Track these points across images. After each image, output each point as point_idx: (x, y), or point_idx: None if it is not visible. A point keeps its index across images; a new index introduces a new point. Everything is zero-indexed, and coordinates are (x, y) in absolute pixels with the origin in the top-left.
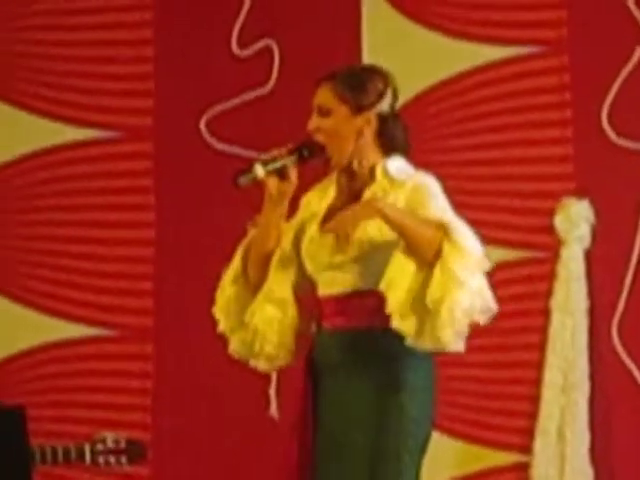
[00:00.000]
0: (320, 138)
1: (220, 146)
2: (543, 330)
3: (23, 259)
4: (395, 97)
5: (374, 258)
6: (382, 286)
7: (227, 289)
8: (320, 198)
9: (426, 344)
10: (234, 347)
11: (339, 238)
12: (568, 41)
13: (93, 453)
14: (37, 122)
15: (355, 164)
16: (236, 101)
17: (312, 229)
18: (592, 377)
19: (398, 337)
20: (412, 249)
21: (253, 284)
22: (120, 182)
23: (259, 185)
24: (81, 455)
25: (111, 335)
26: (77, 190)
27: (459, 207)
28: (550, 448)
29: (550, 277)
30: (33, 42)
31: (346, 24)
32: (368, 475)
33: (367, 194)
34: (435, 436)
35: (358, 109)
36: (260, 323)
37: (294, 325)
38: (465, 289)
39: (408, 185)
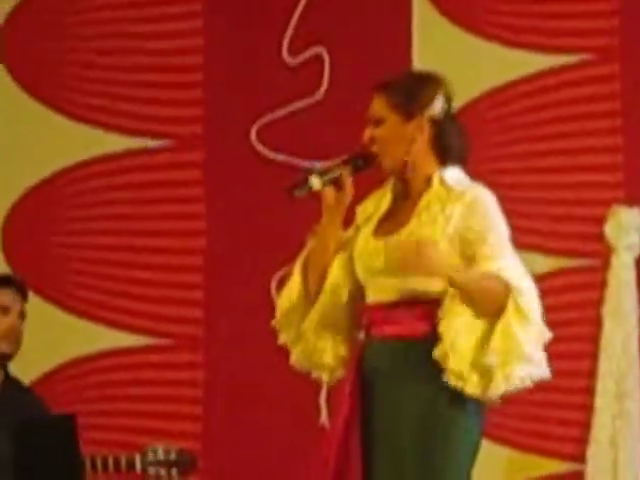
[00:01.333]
0: (374, 148)
1: (270, 155)
2: (594, 338)
3: (74, 268)
4: (448, 102)
5: (425, 270)
6: (445, 347)
7: (287, 301)
8: (376, 205)
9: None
10: (296, 359)
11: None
12: (619, 49)
13: (144, 464)
14: (88, 131)
15: (409, 171)
16: (286, 109)
17: (366, 233)
18: None
19: None
20: (475, 308)
21: (312, 295)
22: (171, 191)
23: (308, 194)
24: (131, 465)
25: (162, 344)
26: (128, 199)
27: (509, 215)
28: (603, 456)
29: (601, 285)
30: (84, 51)
31: (397, 32)
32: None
33: (423, 202)
34: (487, 445)
35: (408, 115)
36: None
37: (349, 335)
38: (526, 362)
39: (466, 198)
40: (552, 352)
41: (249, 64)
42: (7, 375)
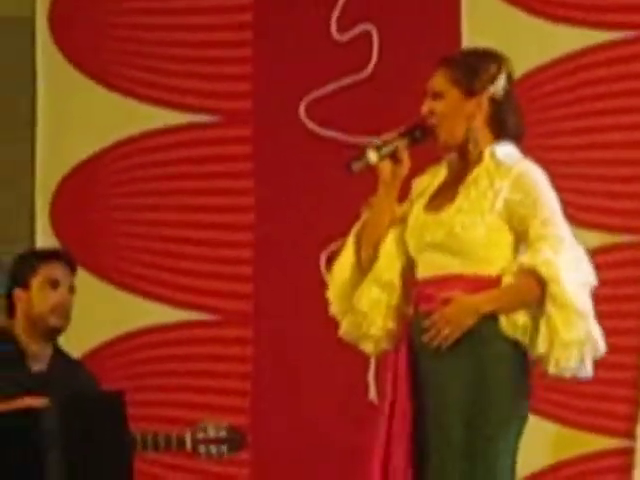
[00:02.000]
0: (432, 121)
1: (319, 130)
2: None
3: (123, 244)
4: (510, 81)
5: (473, 244)
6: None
7: (340, 273)
8: (430, 180)
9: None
10: (345, 329)
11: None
12: None
13: (194, 442)
14: (137, 106)
15: (470, 147)
16: (335, 85)
17: (418, 208)
18: None
19: (493, 321)
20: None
21: (365, 267)
22: (219, 166)
23: (366, 168)
24: (182, 443)
25: (211, 319)
26: (176, 174)
27: (560, 191)
28: None
29: None
30: (132, 26)
31: (445, 8)
32: (465, 456)
33: (472, 175)
34: (535, 420)
35: (470, 93)
36: (366, 305)
37: (399, 308)
38: (572, 347)
39: (513, 172)
40: (604, 328)
41: (298, 40)
42: (57, 349)
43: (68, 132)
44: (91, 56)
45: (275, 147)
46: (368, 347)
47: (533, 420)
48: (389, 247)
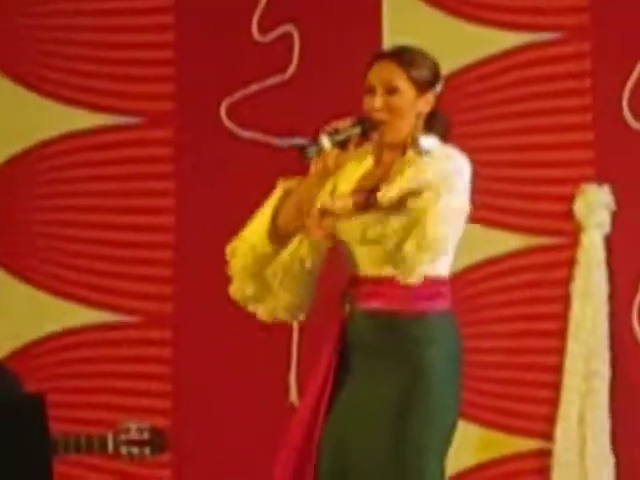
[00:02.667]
0: (382, 115)
1: (240, 132)
2: (564, 317)
3: (45, 245)
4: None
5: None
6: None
7: (252, 237)
8: (355, 167)
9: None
10: (249, 292)
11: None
12: (589, 27)
13: (116, 443)
14: (58, 108)
15: (408, 144)
16: (256, 87)
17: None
18: (613, 363)
19: (430, 323)
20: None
21: (279, 240)
22: (141, 168)
23: (279, 169)
24: (104, 445)
25: (131, 321)
26: (98, 176)
27: (479, 192)
28: (571, 435)
29: (570, 263)
30: (54, 28)
31: (366, 10)
32: (393, 460)
33: (396, 167)
34: (459, 422)
35: (423, 90)
36: (283, 283)
37: (314, 295)
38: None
39: (435, 154)
40: (522, 330)
41: (220, 41)
42: None
43: None
44: (12, 58)
45: (196, 149)
46: (264, 315)
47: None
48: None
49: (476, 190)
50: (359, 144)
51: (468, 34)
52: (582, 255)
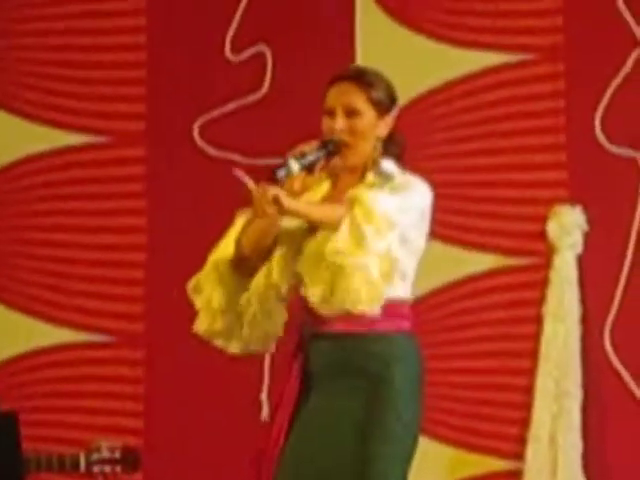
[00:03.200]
0: (344, 138)
1: (213, 151)
2: (535, 337)
3: (17, 264)
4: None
5: None
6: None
7: (213, 274)
8: (313, 192)
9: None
10: (218, 326)
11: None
12: (563, 48)
13: (88, 462)
14: (30, 127)
15: (368, 166)
16: (229, 106)
17: (302, 227)
18: (585, 384)
19: (393, 343)
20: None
21: (246, 268)
22: (112, 187)
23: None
24: (76, 464)
25: (102, 341)
26: (69, 195)
27: (451, 213)
28: (542, 455)
29: (542, 284)
30: (24, 47)
31: (339, 30)
32: (354, 478)
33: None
34: (426, 442)
35: (383, 113)
36: (259, 313)
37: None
38: (370, 252)
39: (395, 181)
40: (493, 350)
41: (192, 61)
42: None
43: None
44: None
45: (168, 168)
46: (233, 347)
47: (427, 442)
48: (279, 261)
49: (448, 210)
50: (325, 167)
51: (441, 54)
52: (555, 276)
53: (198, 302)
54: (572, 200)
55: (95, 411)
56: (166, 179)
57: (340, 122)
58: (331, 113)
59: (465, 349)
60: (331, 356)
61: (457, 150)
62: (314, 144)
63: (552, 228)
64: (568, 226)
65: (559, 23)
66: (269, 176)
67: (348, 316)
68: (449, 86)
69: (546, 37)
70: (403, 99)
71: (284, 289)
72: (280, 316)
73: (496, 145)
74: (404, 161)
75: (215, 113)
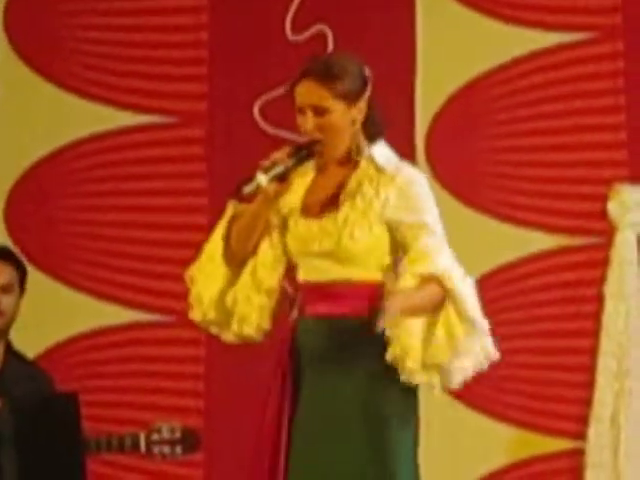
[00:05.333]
0: (318, 136)
1: (273, 131)
2: (596, 316)
3: (80, 244)
4: (370, 79)
5: (361, 253)
6: (397, 352)
7: (208, 265)
8: (301, 180)
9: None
10: (210, 317)
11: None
12: (622, 27)
13: (148, 443)
14: (92, 107)
15: (353, 153)
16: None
17: (294, 210)
18: None
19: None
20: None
21: (233, 263)
22: (173, 167)
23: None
24: (136, 445)
25: (164, 320)
26: (131, 175)
27: (513, 193)
28: (604, 434)
29: (603, 263)
30: (88, 27)
31: (400, 8)
32: (360, 461)
33: (354, 182)
34: (488, 422)
35: (353, 100)
36: (245, 309)
37: (275, 310)
38: (469, 356)
39: (397, 181)
40: (555, 330)
41: (253, 41)
42: (9, 349)
43: (24, 133)
44: (47, 57)
45: (229, 148)
46: (229, 337)
47: (486, 422)
48: (265, 255)
49: (510, 190)
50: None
51: (501, 33)
52: (615, 255)
53: (192, 293)
54: (632, 179)
55: (156, 391)
56: (227, 159)
57: (310, 122)
58: (301, 111)
59: (526, 329)
60: (317, 339)
61: (517, 130)
62: (287, 150)
63: (613, 207)
64: (629, 205)
65: (618, 2)
66: (236, 192)
67: (336, 297)
68: (509, 65)
69: (605, 16)
70: (463, 79)
71: (272, 284)
72: (269, 307)
73: (556, 125)
74: (385, 135)
75: (275, 93)
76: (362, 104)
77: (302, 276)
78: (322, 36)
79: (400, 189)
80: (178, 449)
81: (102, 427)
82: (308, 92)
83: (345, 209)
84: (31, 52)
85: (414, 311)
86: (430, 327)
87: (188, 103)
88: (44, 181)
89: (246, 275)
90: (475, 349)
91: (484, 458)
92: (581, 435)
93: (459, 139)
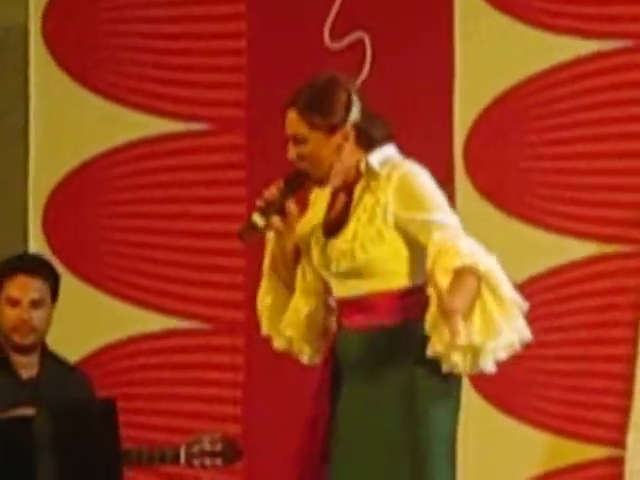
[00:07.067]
0: (303, 165)
1: None
2: (635, 324)
3: (115, 252)
4: (361, 100)
5: (378, 264)
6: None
7: (265, 299)
8: (324, 197)
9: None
10: (277, 345)
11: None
12: None
13: (188, 455)
14: (130, 115)
15: (354, 171)
16: None
17: (317, 230)
18: None
19: (416, 334)
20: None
21: (290, 290)
22: (212, 174)
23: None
24: (176, 457)
25: (203, 328)
26: (169, 182)
27: (552, 201)
28: None
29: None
30: (126, 34)
31: (439, 17)
32: (399, 471)
33: (356, 196)
34: (526, 429)
35: (332, 130)
36: (295, 335)
37: (323, 328)
38: (504, 335)
39: (392, 181)
40: (592, 338)
41: (291, 48)
42: (49, 354)
43: (61, 139)
44: (84, 64)
45: (268, 155)
46: (304, 360)
47: (523, 429)
48: (300, 281)
49: (549, 198)
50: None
51: (540, 42)
52: None
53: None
54: None
55: (195, 398)
56: (266, 166)
57: (291, 152)
58: (288, 140)
59: (564, 336)
60: (353, 350)
61: (556, 138)
62: (278, 184)
63: None
64: None
65: None
66: (238, 237)
67: (368, 309)
68: (548, 73)
69: None
70: (502, 87)
71: (306, 310)
72: (317, 334)
73: (594, 133)
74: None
75: None
76: (346, 130)
77: (334, 292)
78: (360, 43)
79: (397, 189)
80: (219, 461)
81: (139, 434)
82: (289, 122)
83: (352, 225)
84: (69, 60)
85: (465, 307)
86: (466, 314)
87: (227, 110)
88: (81, 189)
89: (290, 309)
90: (510, 329)
91: (521, 466)
92: (620, 443)
93: (497, 148)
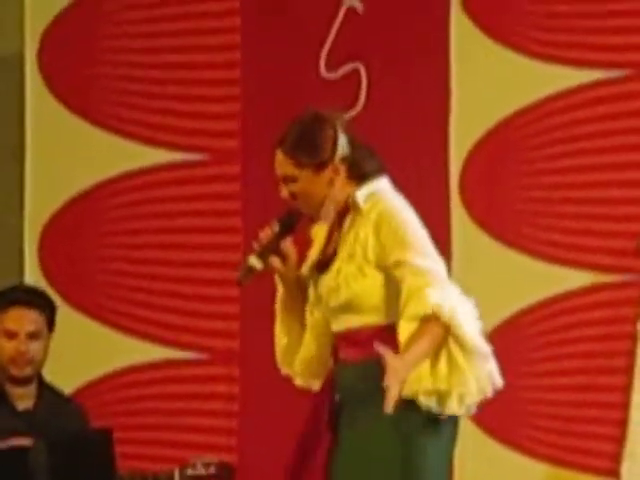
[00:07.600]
0: (296, 203)
1: None
2: (631, 354)
3: (111, 281)
4: (350, 133)
5: (367, 301)
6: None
7: (281, 339)
8: (323, 233)
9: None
10: (297, 384)
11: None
12: None
13: (182, 478)
14: (125, 144)
15: (334, 207)
16: None
17: (313, 273)
18: None
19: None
20: None
21: (301, 332)
22: (207, 205)
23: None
24: None
25: (198, 358)
26: (164, 212)
27: (548, 230)
28: (637, 472)
29: (638, 301)
30: (121, 64)
31: (434, 47)
32: None
33: (345, 226)
34: (521, 459)
35: (320, 167)
36: (305, 371)
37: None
38: (473, 382)
39: (371, 218)
40: (588, 367)
41: (286, 78)
42: (44, 386)
43: (57, 169)
44: (80, 94)
45: (263, 185)
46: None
47: (519, 459)
48: (308, 319)
49: (544, 227)
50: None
51: (535, 71)
52: None
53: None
54: None
55: (190, 428)
56: (261, 196)
57: (283, 190)
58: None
59: (559, 366)
60: (348, 383)
61: (552, 167)
62: (272, 225)
63: None
64: None
65: None
66: (237, 283)
67: (361, 343)
68: (543, 103)
69: (638, 53)
70: (497, 116)
71: (314, 346)
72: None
73: (590, 162)
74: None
75: None
76: (335, 165)
77: (332, 325)
78: (356, 73)
79: (375, 226)
80: None
81: (135, 464)
82: (278, 162)
83: (338, 261)
84: (65, 90)
85: (419, 361)
86: (433, 359)
87: (222, 140)
88: (77, 219)
89: (302, 346)
90: (478, 375)
91: None
92: (615, 472)
93: (493, 178)
